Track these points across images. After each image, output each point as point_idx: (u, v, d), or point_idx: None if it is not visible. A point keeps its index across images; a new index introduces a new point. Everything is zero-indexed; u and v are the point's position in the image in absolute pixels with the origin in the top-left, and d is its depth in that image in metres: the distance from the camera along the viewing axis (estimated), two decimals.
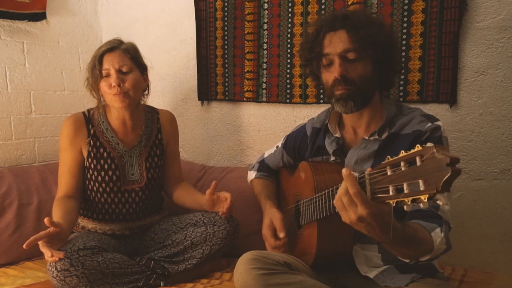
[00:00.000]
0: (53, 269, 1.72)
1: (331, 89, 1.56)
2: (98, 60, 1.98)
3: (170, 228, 2.12)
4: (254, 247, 1.70)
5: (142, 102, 2.18)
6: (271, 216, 1.81)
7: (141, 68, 2.09)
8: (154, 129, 2.21)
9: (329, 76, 1.56)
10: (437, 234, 1.32)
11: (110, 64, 1.98)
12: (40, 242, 1.67)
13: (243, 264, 1.49)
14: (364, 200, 1.10)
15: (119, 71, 1.98)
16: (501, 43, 1.98)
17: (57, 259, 1.68)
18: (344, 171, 1.13)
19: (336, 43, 1.53)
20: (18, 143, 2.62)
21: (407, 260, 1.33)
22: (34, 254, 2.26)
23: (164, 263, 1.95)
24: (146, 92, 2.17)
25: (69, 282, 1.71)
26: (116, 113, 2.09)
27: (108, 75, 1.99)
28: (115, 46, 2.03)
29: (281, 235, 1.72)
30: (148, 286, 1.89)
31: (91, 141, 2.06)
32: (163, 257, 1.98)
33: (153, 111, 2.25)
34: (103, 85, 1.99)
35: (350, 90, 1.52)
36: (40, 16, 2.66)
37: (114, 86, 1.96)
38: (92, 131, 2.07)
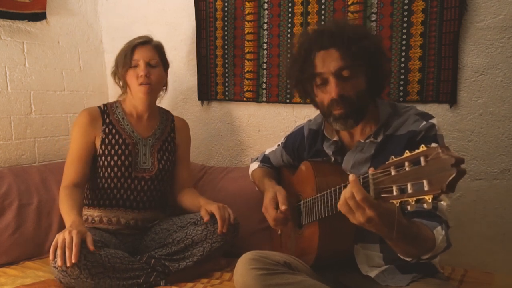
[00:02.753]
0: (55, 259, 1.72)
1: (328, 109, 1.54)
2: (131, 50, 2.13)
3: (170, 228, 2.12)
4: (254, 247, 1.70)
5: (159, 98, 2.30)
6: (276, 190, 1.78)
7: (165, 65, 2.26)
8: (168, 127, 2.32)
9: (325, 96, 1.54)
10: (439, 232, 1.33)
11: (140, 56, 2.13)
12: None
13: (243, 264, 1.49)
14: (371, 204, 1.10)
15: (147, 64, 2.13)
16: (501, 43, 1.98)
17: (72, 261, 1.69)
18: (351, 177, 1.14)
19: (329, 62, 1.50)
20: (18, 143, 2.61)
21: (408, 259, 1.33)
22: (34, 254, 2.25)
23: (164, 261, 1.96)
24: (165, 88, 2.32)
25: (70, 273, 1.72)
26: (135, 103, 2.21)
27: (136, 66, 2.13)
28: (148, 41, 2.19)
29: (283, 207, 1.68)
30: (148, 284, 1.89)
31: (107, 129, 2.15)
32: (164, 255, 1.98)
33: (168, 112, 2.39)
34: (130, 75, 2.14)
35: (347, 108, 1.51)
36: (40, 16, 2.66)
37: (141, 75, 2.10)
38: (107, 120, 2.18)
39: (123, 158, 2.13)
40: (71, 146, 2.14)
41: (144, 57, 2.13)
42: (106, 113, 2.19)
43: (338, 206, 1.19)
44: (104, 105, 2.23)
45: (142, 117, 2.23)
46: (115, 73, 2.21)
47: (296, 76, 1.64)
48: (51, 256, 1.72)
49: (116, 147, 2.14)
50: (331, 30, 1.54)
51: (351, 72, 1.49)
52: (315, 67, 1.54)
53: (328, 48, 1.51)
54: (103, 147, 2.13)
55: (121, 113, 2.21)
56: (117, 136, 2.15)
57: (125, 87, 2.20)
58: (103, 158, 2.13)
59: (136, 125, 2.21)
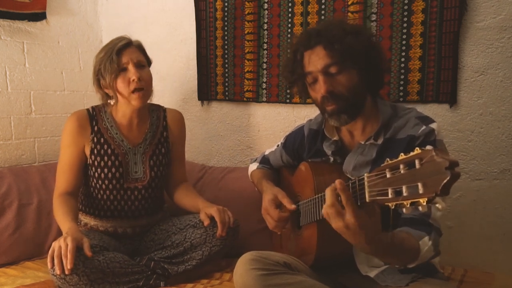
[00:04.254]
0: (53, 267, 1.71)
1: (322, 106, 1.56)
2: (117, 54, 1.97)
3: (169, 229, 2.12)
4: (254, 247, 1.70)
5: (148, 100, 2.17)
6: (275, 192, 1.78)
7: (149, 64, 2.13)
8: (160, 127, 2.20)
9: (316, 94, 1.56)
10: (425, 243, 1.35)
11: (129, 58, 1.98)
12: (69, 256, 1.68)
13: (243, 265, 1.49)
14: (354, 209, 1.13)
15: (137, 65, 1.99)
16: (501, 43, 1.97)
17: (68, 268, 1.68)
18: (337, 183, 1.16)
19: (315, 61, 1.52)
20: (18, 143, 2.62)
21: (396, 266, 1.39)
22: (34, 254, 2.26)
23: (164, 263, 1.95)
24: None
25: (69, 280, 1.71)
26: (125, 110, 2.08)
27: (125, 70, 1.98)
28: (130, 42, 2.04)
29: (292, 206, 1.68)
30: (148, 286, 1.89)
31: (95, 138, 2.05)
32: (163, 258, 1.98)
33: (159, 108, 2.24)
34: (120, 82, 1.98)
35: (340, 104, 1.52)
36: (40, 16, 2.67)
37: (134, 80, 1.96)
38: (96, 128, 2.06)
39: (113, 170, 2.06)
40: (62, 154, 2.07)
41: (132, 59, 1.98)
42: (95, 120, 2.07)
43: (324, 210, 1.22)
44: (93, 108, 2.11)
45: (132, 123, 2.11)
46: (98, 83, 2.04)
47: (288, 77, 1.66)
48: (49, 265, 1.71)
49: (106, 158, 2.05)
50: (317, 29, 1.56)
51: (339, 68, 1.50)
52: (303, 67, 1.57)
53: (314, 46, 1.53)
54: (92, 157, 2.05)
55: (110, 120, 2.09)
56: (105, 146, 2.05)
57: (115, 96, 2.03)
58: (93, 168, 2.06)
59: (126, 133, 2.10)
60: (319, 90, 1.52)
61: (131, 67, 1.98)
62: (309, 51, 1.55)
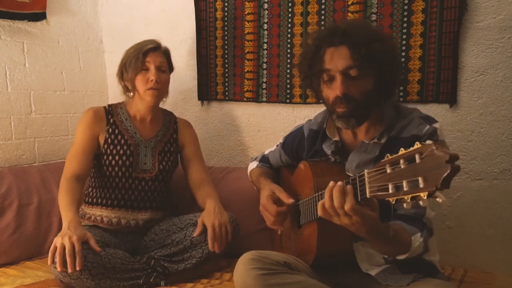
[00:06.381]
0: (55, 263, 1.73)
1: (332, 106, 1.54)
2: (143, 54, 2.16)
3: (170, 229, 2.12)
4: (254, 247, 1.70)
5: (161, 103, 2.31)
6: (273, 188, 1.79)
7: (171, 70, 2.32)
8: (171, 129, 2.34)
9: (330, 93, 1.54)
10: (416, 239, 1.39)
11: (152, 61, 2.17)
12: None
13: (243, 265, 1.49)
14: (353, 205, 1.18)
15: (158, 69, 2.17)
16: (501, 43, 1.98)
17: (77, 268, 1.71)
18: (331, 184, 1.23)
19: (337, 60, 1.50)
20: (18, 143, 2.62)
21: (385, 256, 1.47)
22: (34, 254, 2.26)
23: (164, 262, 1.96)
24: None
25: (71, 274, 1.73)
26: (139, 105, 2.24)
27: (147, 70, 2.16)
28: (158, 46, 2.22)
29: (290, 200, 1.68)
30: (148, 284, 1.90)
31: (110, 129, 2.19)
32: (163, 256, 1.98)
33: (170, 114, 2.41)
34: (139, 79, 2.16)
35: (351, 108, 1.50)
36: (40, 16, 2.67)
37: (152, 80, 2.14)
38: (111, 121, 2.21)
39: (124, 158, 2.15)
40: (75, 140, 2.16)
41: (155, 62, 2.16)
42: (111, 114, 2.22)
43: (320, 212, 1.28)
44: (109, 105, 2.27)
45: (145, 119, 2.26)
46: (121, 76, 2.23)
47: (304, 70, 1.64)
48: (49, 261, 1.72)
49: (118, 147, 2.16)
50: (343, 28, 1.54)
51: (359, 72, 1.48)
52: (323, 63, 1.53)
53: (338, 45, 1.50)
54: (105, 146, 2.15)
55: (125, 114, 2.24)
56: (119, 137, 2.17)
57: (133, 90, 2.21)
58: (105, 157, 2.15)
59: (139, 127, 2.24)
60: (335, 89, 1.50)
61: (152, 68, 2.16)
62: (332, 48, 1.52)
